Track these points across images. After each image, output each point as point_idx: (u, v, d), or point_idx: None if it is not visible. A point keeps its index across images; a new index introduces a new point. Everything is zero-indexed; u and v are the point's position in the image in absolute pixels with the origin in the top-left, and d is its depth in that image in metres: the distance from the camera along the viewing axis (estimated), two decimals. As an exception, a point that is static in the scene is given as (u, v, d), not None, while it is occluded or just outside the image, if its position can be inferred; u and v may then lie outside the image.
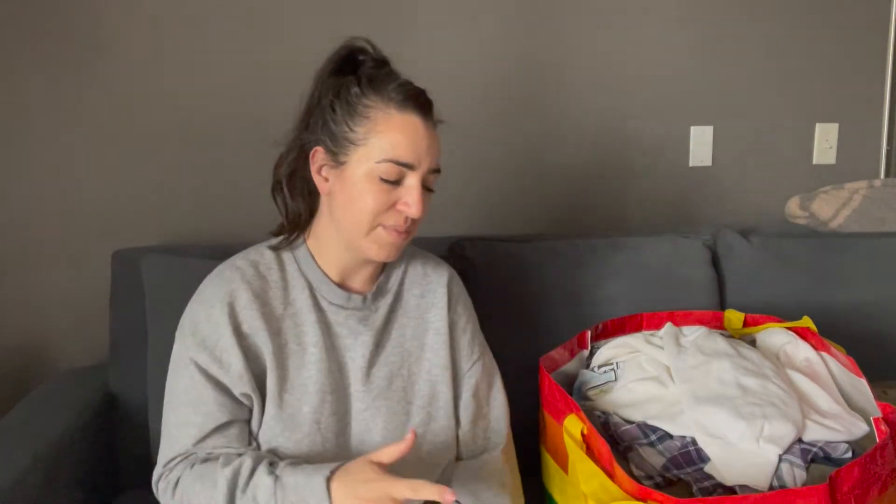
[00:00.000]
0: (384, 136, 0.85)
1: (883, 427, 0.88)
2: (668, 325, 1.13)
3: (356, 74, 0.89)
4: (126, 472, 1.29)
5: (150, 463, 1.28)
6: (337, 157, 0.87)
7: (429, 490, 0.72)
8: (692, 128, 1.72)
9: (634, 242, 1.46)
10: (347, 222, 0.88)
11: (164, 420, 0.92)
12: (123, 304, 1.35)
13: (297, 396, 0.88)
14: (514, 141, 1.66)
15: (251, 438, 0.89)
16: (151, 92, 1.52)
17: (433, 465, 0.93)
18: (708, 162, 1.74)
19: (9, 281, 1.54)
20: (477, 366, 1.03)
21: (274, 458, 0.85)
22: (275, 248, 0.95)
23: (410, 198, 0.86)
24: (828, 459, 0.90)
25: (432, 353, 0.97)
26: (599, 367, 1.11)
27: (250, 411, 0.89)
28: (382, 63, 0.91)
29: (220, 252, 1.20)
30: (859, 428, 0.94)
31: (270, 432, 0.87)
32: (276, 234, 0.98)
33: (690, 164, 1.73)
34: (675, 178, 1.73)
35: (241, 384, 0.87)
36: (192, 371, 0.88)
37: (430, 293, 0.99)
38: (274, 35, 1.54)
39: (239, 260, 0.94)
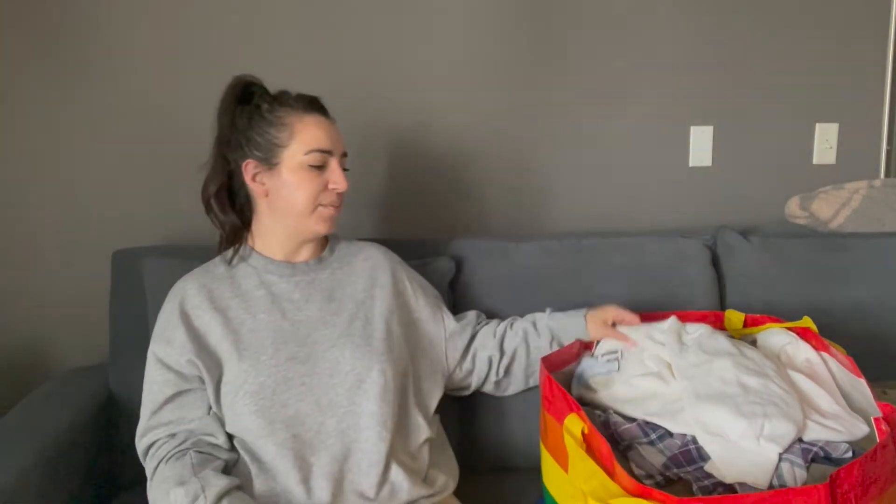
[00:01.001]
0: (303, 134, 1.07)
1: (883, 427, 0.88)
2: (673, 320, 1.13)
3: (261, 97, 1.11)
4: (126, 472, 1.29)
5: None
6: (269, 160, 1.08)
7: None
8: (692, 128, 1.72)
9: (634, 242, 1.46)
10: (294, 209, 1.09)
11: None
12: (123, 304, 1.35)
13: (253, 350, 1.05)
14: (511, 142, 1.66)
15: (209, 408, 1.05)
16: (152, 92, 1.52)
17: (397, 389, 1.10)
18: (708, 162, 1.74)
19: (9, 281, 1.54)
20: (435, 296, 1.26)
21: (221, 492, 0.94)
22: (228, 261, 1.14)
23: (336, 176, 1.10)
24: (828, 459, 0.90)
25: (381, 301, 1.16)
26: (603, 355, 1.12)
27: (200, 380, 1.05)
28: (268, 91, 1.13)
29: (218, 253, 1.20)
30: (860, 429, 0.94)
31: (236, 382, 1.03)
32: (220, 250, 1.17)
33: (690, 164, 1.73)
34: (675, 178, 1.73)
35: (185, 352, 1.04)
36: (151, 360, 1.08)
37: (373, 258, 1.21)
38: (273, 39, 1.54)
39: (192, 271, 1.15)
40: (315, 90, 1.17)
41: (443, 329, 1.22)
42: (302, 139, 1.07)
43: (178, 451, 1.01)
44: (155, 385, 1.06)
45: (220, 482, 0.96)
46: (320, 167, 1.09)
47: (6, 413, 1.25)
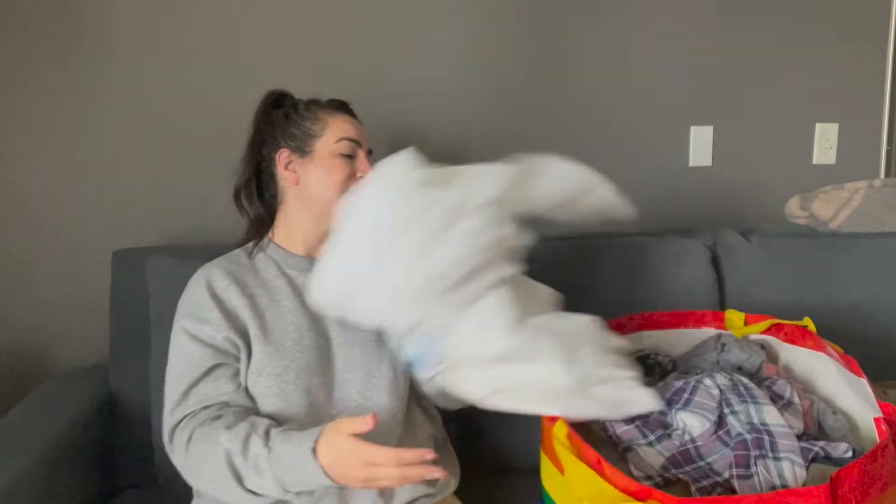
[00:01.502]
0: (335, 126, 1.16)
1: (883, 427, 0.88)
2: None
3: (293, 102, 1.19)
4: (126, 472, 1.29)
5: (150, 463, 1.29)
6: (302, 149, 1.15)
7: (410, 455, 0.88)
8: (692, 128, 1.72)
9: (634, 242, 1.46)
10: (325, 195, 1.13)
11: (165, 381, 1.08)
12: (123, 304, 1.36)
13: (278, 336, 1.08)
14: (511, 140, 1.66)
15: (240, 381, 1.06)
16: (152, 93, 1.52)
17: (408, 384, 1.13)
18: (708, 162, 1.74)
19: (9, 281, 1.54)
20: None
21: (269, 426, 0.97)
22: (249, 252, 1.17)
23: (364, 166, 1.16)
24: (828, 459, 0.90)
25: None
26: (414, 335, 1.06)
27: (235, 357, 1.06)
28: (298, 100, 1.20)
29: (220, 252, 1.21)
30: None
31: (261, 363, 1.05)
32: (244, 242, 1.19)
33: (690, 164, 1.73)
34: (675, 178, 1.73)
35: (222, 329, 1.06)
36: (181, 336, 1.08)
37: None
38: (273, 41, 1.54)
39: (215, 259, 1.17)
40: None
41: None
42: (334, 130, 1.15)
43: (214, 416, 1.01)
44: (194, 357, 1.05)
45: (267, 420, 0.99)
46: (350, 157, 1.15)
47: (6, 413, 1.25)
